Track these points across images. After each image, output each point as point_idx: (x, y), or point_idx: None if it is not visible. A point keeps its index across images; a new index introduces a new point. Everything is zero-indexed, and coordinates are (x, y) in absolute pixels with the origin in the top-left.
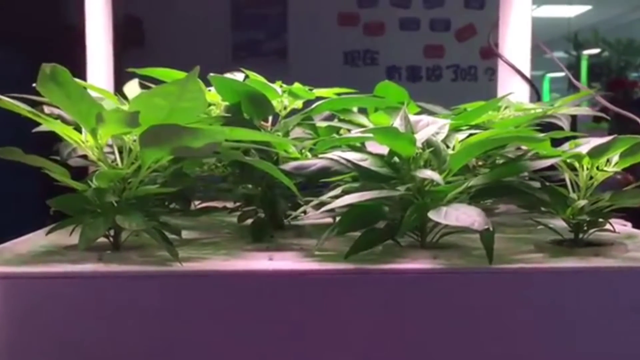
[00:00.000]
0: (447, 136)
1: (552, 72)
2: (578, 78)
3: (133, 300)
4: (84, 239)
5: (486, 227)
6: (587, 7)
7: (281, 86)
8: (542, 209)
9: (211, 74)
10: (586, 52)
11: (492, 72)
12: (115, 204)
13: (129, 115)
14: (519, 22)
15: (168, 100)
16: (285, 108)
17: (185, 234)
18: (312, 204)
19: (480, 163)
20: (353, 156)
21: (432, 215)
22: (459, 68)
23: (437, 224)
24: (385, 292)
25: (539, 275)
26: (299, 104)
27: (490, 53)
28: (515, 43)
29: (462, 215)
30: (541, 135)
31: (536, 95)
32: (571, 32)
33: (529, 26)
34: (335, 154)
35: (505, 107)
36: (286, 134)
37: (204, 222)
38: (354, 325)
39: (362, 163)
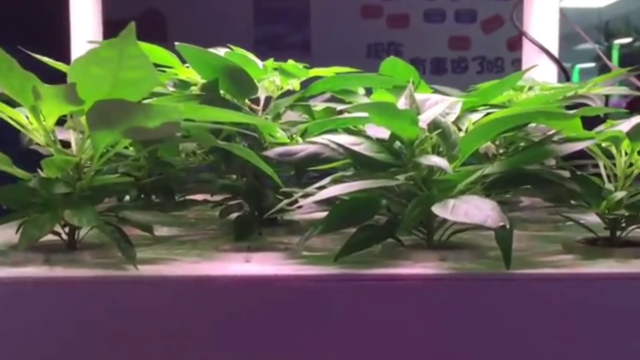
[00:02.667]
0: (460, 118)
1: (582, 63)
2: (609, 67)
3: (70, 310)
4: (25, 237)
5: (501, 223)
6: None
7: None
8: (572, 202)
9: (177, 43)
10: (617, 41)
11: (520, 64)
12: (66, 197)
13: (66, 89)
14: (546, 7)
15: (107, 69)
16: (278, 89)
17: (163, 231)
18: (296, 196)
19: (500, 151)
20: (345, 140)
21: (437, 209)
22: (485, 60)
23: (447, 219)
24: (380, 303)
25: (569, 282)
26: (294, 84)
27: (517, 44)
28: (542, 28)
29: (472, 210)
30: (572, 111)
31: (565, 76)
32: (602, 21)
33: (556, 11)
34: (325, 137)
35: (530, 88)
36: (276, 118)
37: (190, 217)
38: (340, 344)
39: (355, 147)
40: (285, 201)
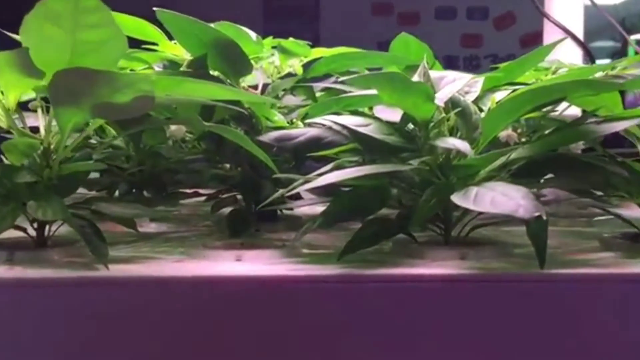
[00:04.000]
0: (481, 98)
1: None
2: None
3: (25, 314)
4: None
5: (536, 214)
6: None
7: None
8: (598, 193)
9: (156, 8)
10: (634, 37)
11: None
12: (31, 187)
13: (18, 55)
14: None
15: (62, 28)
16: (278, 71)
17: (152, 228)
18: (294, 185)
19: (523, 140)
20: (350, 121)
21: (457, 198)
22: (497, 57)
23: (466, 212)
24: (390, 309)
25: (610, 283)
26: (296, 66)
27: (530, 41)
28: (566, 13)
29: (500, 198)
30: (618, 80)
31: (590, 60)
32: (618, 18)
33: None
34: (327, 118)
35: (556, 70)
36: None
37: (184, 212)
38: (340, 358)
39: (361, 129)
40: (281, 191)
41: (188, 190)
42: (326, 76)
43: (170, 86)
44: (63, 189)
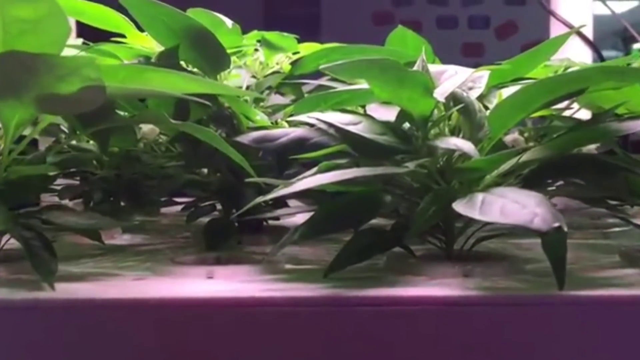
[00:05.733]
0: (486, 95)
1: None
2: None
3: None
4: None
5: (556, 224)
6: (635, 3)
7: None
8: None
9: None
10: (636, 45)
11: None
12: None
13: None
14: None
15: None
16: (262, 67)
17: (125, 239)
18: (271, 193)
19: (531, 144)
20: (338, 118)
21: (460, 207)
22: None
23: (470, 222)
24: (384, 336)
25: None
26: (283, 63)
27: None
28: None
29: (511, 206)
30: None
31: (600, 59)
32: (620, 27)
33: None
34: (312, 116)
35: (567, 68)
36: (258, 101)
37: (164, 222)
38: None
39: (351, 128)
40: (259, 198)
41: (162, 199)
42: (317, 75)
43: (130, 77)
44: (11, 196)
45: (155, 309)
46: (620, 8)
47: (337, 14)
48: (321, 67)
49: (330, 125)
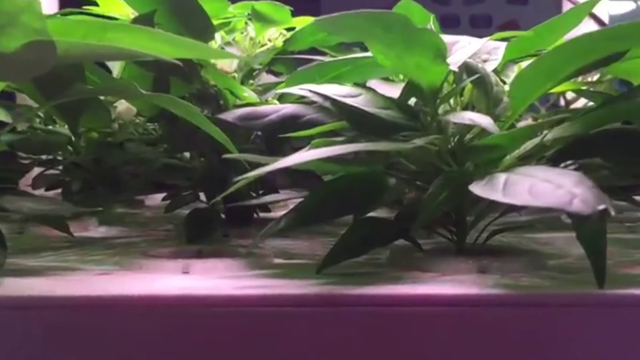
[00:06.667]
0: (502, 69)
1: None
2: None
3: None
4: None
5: (601, 206)
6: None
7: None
8: None
9: None
10: None
11: None
12: None
13: None
14: None
15: None
16: (254, 43)
17: (100, 232)
18: (255, 171)
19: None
20: (335, 90)
21: (478, 188)
22: None
23: (484, 212)
24: (387, 341)
25: None
26: (275, 39)
27: None
28: None
29: (542, 186)
30: None
31: None
32: None
33: None
34: (305, 87)
35: None
36: (247, 78)
37: (147, 214)
38: None
39: (349, 101)
40: (240, 178)
41: (140, 187)
42: (314, 53)
43: (92, 34)
44: None
45: (115, 308)
46: (614, 10)
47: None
48: (314, 20)
49: (326, 97)
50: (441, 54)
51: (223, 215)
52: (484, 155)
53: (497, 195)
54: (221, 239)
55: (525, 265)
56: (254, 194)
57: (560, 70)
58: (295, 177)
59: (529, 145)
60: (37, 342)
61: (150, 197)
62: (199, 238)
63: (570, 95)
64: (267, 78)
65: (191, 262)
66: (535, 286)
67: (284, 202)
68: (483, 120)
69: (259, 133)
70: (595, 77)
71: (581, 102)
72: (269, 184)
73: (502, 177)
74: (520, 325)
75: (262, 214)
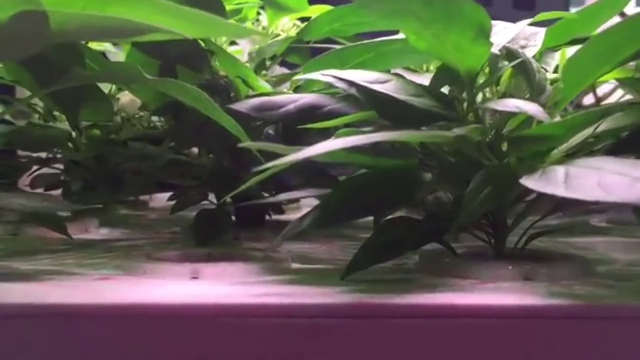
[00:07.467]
0: (541, 57)
1: None
2: None
3: None
4: None
5: None
6: None
7: None
8: None
9: None
10: None
11: None
12: None
13: None
14: None
15: None
16: (267, 32)
17: (101, 234)
18: (274, 162)
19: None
20: (361, 76)
21: (530, 182)
22: None
23: (524, 213)
24: (420, 356)
25: None
26: (289, 29)
27: None
28: None
29: (613, 179)
30: None
31: None
32: None
33: None
34: (328, 73)
35: None
36: (259, 69)
37: (152, 216)
38: None
39: (377, 87)
40: (260, 169)
41: (141, 186)
42: (329, 42)
43: (88, 6)
44: None
45: (116, 317)
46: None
47: None
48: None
49: (352, 83)
50: (484, 32)
51: (232, 217)
52: (532, 147)
53: (559, 190)
54: (232, 241)
55: (573, 271)
56: (265, 194)
57: (619, 52)
58: (309, 175)
59: (578, 137)
60: (30, 354)
61: (154, 197)
62: (209, 240)
63: (600, 91)
64: (278, 71)
65: (200, 266)
66: (592, 295)
67: (297, 204)
68: (532, 107)
69: (270, 131)
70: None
71: (613, 98)
72: (282, 182)
73: (560, 170)
74: (592, 341)
75: (274, 216)
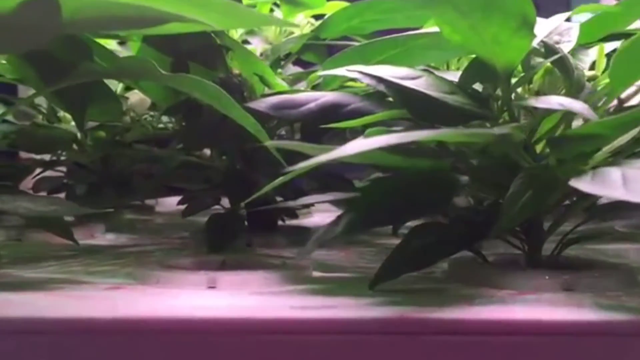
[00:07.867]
0: (575, 53)
1: None
2: None
3: None
4: None
5: None
6: None
7: None
8: None
9: None
10: None
11: None
12: None
13: None
14: None
15: None
16: (280, 30)
17: (108, 239)
18: (301, 164)
19: None
20: (390, 72)
21: (583, 184)
22: None
23: (561, 219)
24: None
25: None
26: (303, 24)
27: None
28: None
29: None
30: None
31: None
32: None
33: None
34: (353, 68)
35: None
36: (275, 67)
37: (159, 221)
38: None
39: (408, 83)
40: (277, 181)
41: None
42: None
43: None
44: None
45: (129, 331)
46: None
47: None
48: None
49: (380, 79)
50: (529, 23)
51: (245, 222)
52: (577, 148)
53: (618, 193)
54: (244, 248)
55: (617, 281)
56: (278, 198)
57: None
58: (323, 180)
59: (624, 138)
60: None
61: (160, 201)
62: (222, 246)
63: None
64: (293, 70)
65: (217, 275)
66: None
67: (308, 209)
68: (577, 105)
69: (283, 133)
70: None
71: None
72: (296, 186)
73: (615, 172)
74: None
75: (288, 222)
